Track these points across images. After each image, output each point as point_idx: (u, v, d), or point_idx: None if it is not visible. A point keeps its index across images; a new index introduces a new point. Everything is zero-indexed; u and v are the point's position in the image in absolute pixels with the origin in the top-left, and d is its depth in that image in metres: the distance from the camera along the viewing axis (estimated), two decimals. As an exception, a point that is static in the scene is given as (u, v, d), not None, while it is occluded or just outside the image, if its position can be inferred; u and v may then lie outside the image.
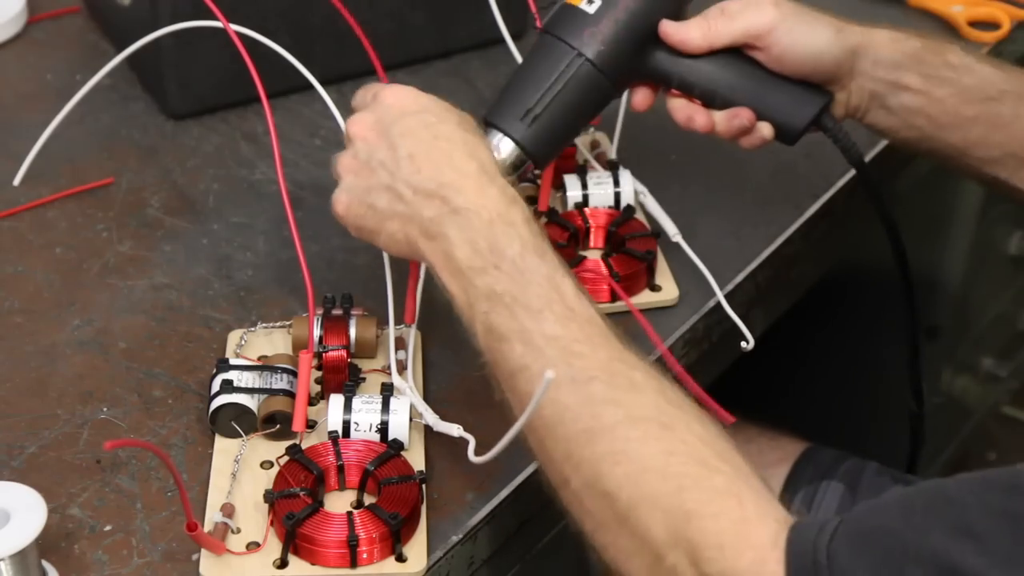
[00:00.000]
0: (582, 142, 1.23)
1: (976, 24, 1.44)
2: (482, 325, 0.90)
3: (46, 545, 0.91)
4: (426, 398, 1.02)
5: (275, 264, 1.15)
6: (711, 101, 1.05)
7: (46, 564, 0.90)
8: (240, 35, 1.01)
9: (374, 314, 1.05)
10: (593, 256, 1.12)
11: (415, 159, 0.93)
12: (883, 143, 1.26)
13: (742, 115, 1.04)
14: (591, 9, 1.02)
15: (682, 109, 1.05)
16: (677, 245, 1.14)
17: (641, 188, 1.17)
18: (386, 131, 0.94)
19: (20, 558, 0.86)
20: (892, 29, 1.09)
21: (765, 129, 1.05)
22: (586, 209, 1.16)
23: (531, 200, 1.16)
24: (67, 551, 0.92)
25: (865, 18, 1.45)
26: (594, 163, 1.21)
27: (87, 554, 0.92)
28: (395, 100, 0.96)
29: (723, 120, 1.05)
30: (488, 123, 1.02)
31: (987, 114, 1.08)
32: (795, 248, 1.20)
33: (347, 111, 1.30)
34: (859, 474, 1.24)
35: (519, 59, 1.25)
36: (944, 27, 1.44)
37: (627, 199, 1.17)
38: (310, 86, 1.31)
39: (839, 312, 1.60)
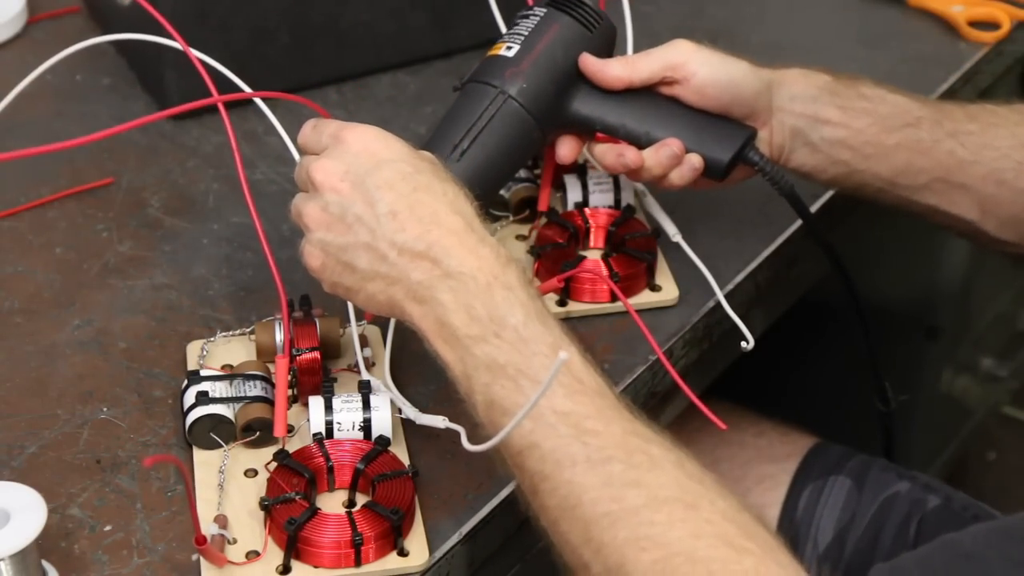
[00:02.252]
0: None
1: (976, 24, 1.44)
2: (483, 397, 0.86)
3: (46, 545, 0.91)
4: (427, 399, 1.02)
5: (275, 263, 1.15)
6: (636, 141, 1.05)
7: (46, 564, 0.90)
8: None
9: (333, 314, 1.05)
10: (593, 256, 1.12)
11: (397, 216, 0.88)
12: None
13: (670, 143, 1.04)
14: (510, 53, 1.04)
15: (609, 151, 1.05)
16: (677, 245, 1.14)
17: (641, 188, 1.17)
18: (360, 183, 0.89)
19: (20, 558, 0.86)
20: (802, 67, 1.09)
21: (694, 159, 1.05)
22: (586, 209, 1.16)
23: (531, 200, 1.16)
24: (67, 551, 0.92)
25: (865, 18, 1.46)
26: (594, 164, 1.21)
27: (87, 554, 0.92)
28: (363, 145, 0.90)
29: (652, 154, 1.04)
30: None
31: (908, 140, 1.08)
32: (795, 248, 1.20)
33: (343, 112, 1.30)
34: (866, 470, 1.25)
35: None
36: (944, 27, 1.44)
37: (627, 199, 1.17)
38: (310, 86, 1.32)
39: (839, 312, 1.60)
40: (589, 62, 1.04)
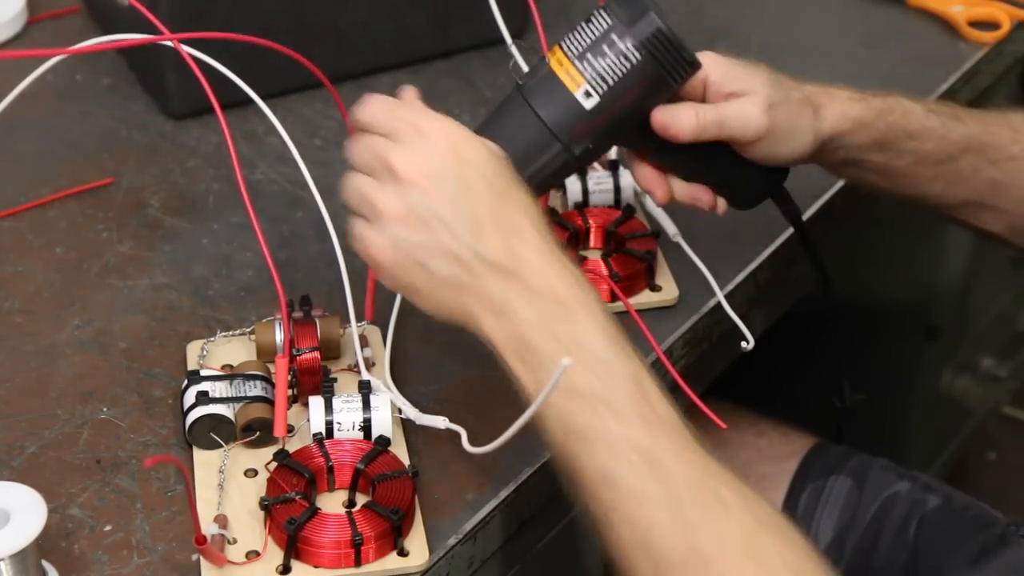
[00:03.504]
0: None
1: (976, 24, 1.44)
2: (557, 421, 0.84)
3: (46, 545, 0.91)
4: (427, 399, 1.03)
5: (275, 264, 1.15)
6: (675, 171, 1.03)
7: (46, 564, 0.90)
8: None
9: (333, 314, 1.05)
10: (593, 256, 1.12)
11: (479, 223, 0.86)
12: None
13: (703, 199, 1.03)
14: (588, 104, 0.95)
15: (646, 179, 1.03)
16: (677, 245, 1.14)
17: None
18: (445, 184, 0.86)
19: (20, 558, 0.86)
20: (861, 102, 1.06)
21: (720, 204, 1.05)
22: (586, 209, 1.16)
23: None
24: (67, 551, 0.92)
25: (865, 18, 1.46)
26: (594, 163, 1.21)
27: (87, 554, 0.92)
28: (448, 143, 0.87)
29: (683, 195, 1.03)
30: None
31: (946, 172, 1.08)
32: (795, 248, 1.20)
33: (331, 114, 1.30)
34: (866, 470, 1.25)
35: (519, 59, 1.25)
36: (944, 27, 1.44)
37: (627, 199, 1.17)
38: (310, 86, 1.32)
39: (839, 312, 1.60)
40: (662, 118, 0.97)
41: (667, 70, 0.95)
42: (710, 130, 0.99)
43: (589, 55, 0.94)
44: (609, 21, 0.94)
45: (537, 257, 0.86)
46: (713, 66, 1.00)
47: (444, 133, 0.88)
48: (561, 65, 0.95)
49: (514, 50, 1.25)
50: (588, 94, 0.94)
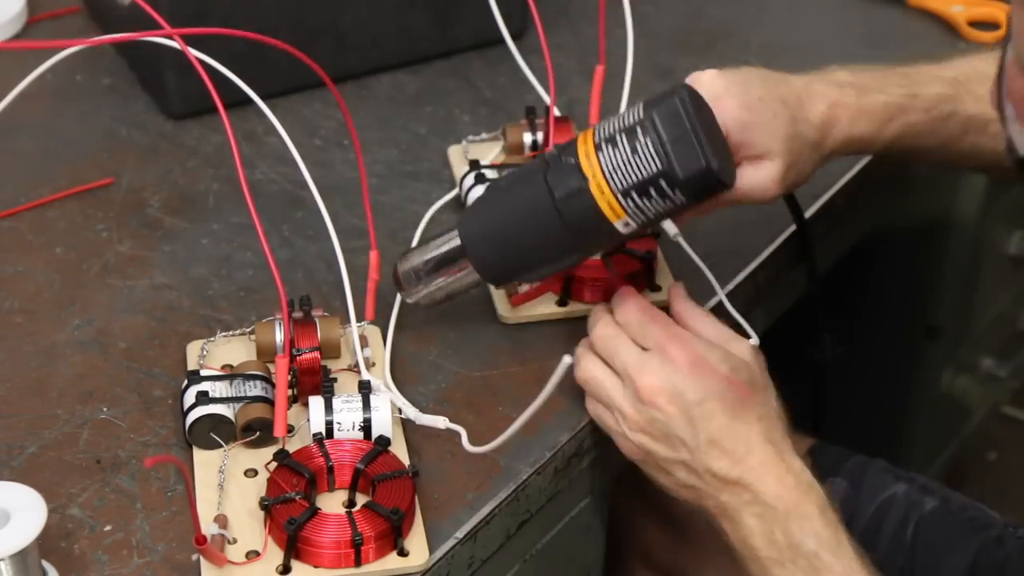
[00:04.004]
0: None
1: (976, 24, 1.44)
2: None
3: (46, 545, 0.91)
4: (427, 399, 1.03)
5: (275, 263, 1.15)
6: None
7: (46, 564, 0.90)
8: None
9: (333, 314, 1.05)
10: (593, 256, 1.12)
11: (712, 441, 0.95)
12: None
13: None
14: (625, 230, 0.97)
15: None
16: (677, 245, 1.14)
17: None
18: (687, 410, 0.95)
19: (20, 558, 0.86)
20: (866, 117, 1.08)
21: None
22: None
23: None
24: (67, 551, 0.92)
25: (865, 18, 1.46)
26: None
27: (87, 554, 0.92)
28: (691, 369, 0.96)
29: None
30: (465, 228, 1.01)
31: (941, 131, 1.11)
32: (795, 248, 1.20)
33: (331, 114, 1.30)
34: (863, 471, 1.24)
35: (519, 59, 1.25)
36: (944, 27, 1.44)
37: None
38: (310, 86, 1.32)
39: (840, 311, 1.60)
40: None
41: (705, 199, 0.96)
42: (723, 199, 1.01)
43: (635, 194, 0.94)
44: (659, 165, 0.93)
45: (763, 470, 0.95)
46: (732, 122, 1.00)
47: (688, 358, 0.96)
48: (603, 194, 0.95)
49: (514, 50, 1.25)
50: (627, 224, 0.96)
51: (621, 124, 0.95)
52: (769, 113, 1.02)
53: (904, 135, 1.10)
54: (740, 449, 0.95)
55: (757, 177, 1.02)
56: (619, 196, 0.95)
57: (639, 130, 0.93)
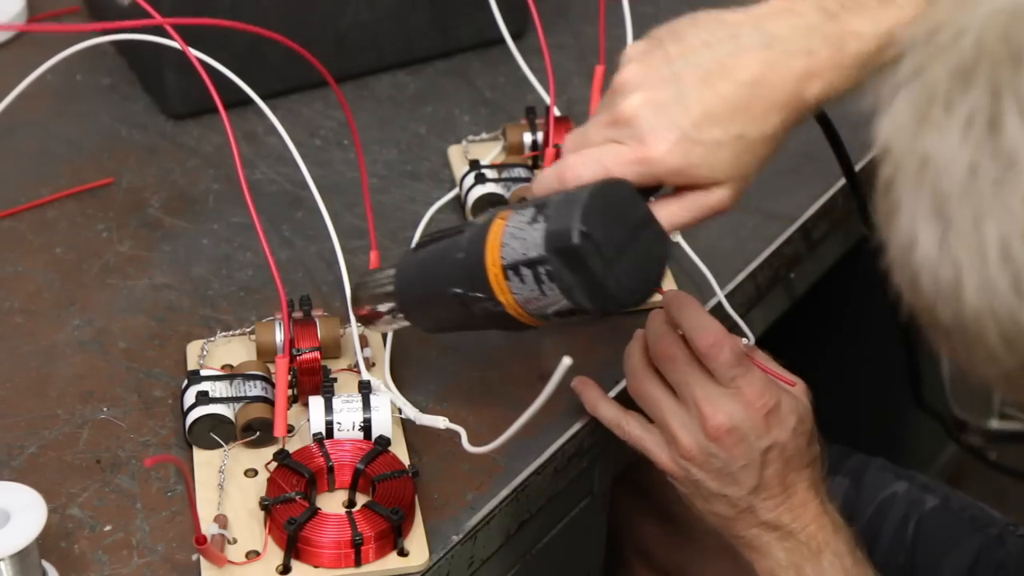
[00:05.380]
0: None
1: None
2: None
3: (46, 545, 0.91)
4: (427, 399, 1.03)
5: (275, 264, 1.15)
6: None
7: (46, 564, 0.90)
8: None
9: (333, 314, 1.05)
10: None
11: (763, 485, 0.95)
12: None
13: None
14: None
15: None
16: (677, 245, 1.14)
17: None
18: (749, 449, 0.94)
19: (20, 558, 0.86)
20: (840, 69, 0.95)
21: None
22: (586, 209, 1.16)
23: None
24: (67, 551, 0.92)
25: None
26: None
27: (87, 554, 0.92)
28: (760, 406, 0.94)
29: None
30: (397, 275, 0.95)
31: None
32: (795, 248, 1.20)
33: (331, 114, 1.30)
34: (863, 470, 1.25)
35: (519, 60, 1.25)
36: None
37: (627, 199, 1.17)
38: (310, 86, 1.32)
39: (840, 310, 1.60)
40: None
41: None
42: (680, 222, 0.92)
43: (535, 304, 0.86)
44: (564, 300, 0.84)
45: (801, 506, 0.96)
46: (667, 176, 0.88)
47: (760, 397, 0.94)
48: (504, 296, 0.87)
49: (514, 50, 1.26)
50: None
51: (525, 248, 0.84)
52: (706, 147, 0.88)
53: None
54: (787, 495, 0.96)
55: (711, 200, 0.90)
56: (522, 307, 0.87)
57: (542, 271, 0.84)
